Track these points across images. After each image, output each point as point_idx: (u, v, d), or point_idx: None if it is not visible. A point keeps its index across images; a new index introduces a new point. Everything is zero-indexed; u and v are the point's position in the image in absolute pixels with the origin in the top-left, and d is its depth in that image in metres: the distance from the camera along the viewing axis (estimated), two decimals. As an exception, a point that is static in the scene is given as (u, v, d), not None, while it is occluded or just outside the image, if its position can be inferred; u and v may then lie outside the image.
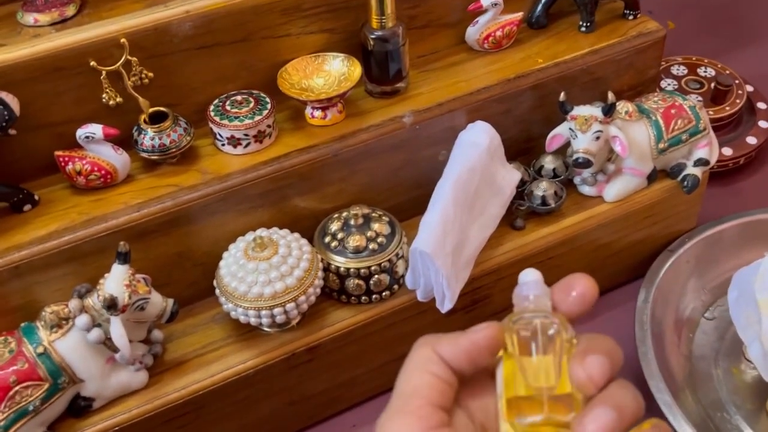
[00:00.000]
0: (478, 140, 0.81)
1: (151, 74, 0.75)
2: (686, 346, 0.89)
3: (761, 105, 1.12)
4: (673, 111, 0.87)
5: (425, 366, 0.36)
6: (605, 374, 0.33)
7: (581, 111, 0.82)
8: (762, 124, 1.09)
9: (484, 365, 0.37)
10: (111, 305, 0.66)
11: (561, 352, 0.34)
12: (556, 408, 0.33)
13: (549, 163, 0.88)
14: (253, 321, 0.72)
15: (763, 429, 0.80)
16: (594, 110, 0.82)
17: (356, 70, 0.80)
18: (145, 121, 0.75)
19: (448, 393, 0.36)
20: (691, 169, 0.88)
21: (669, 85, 1.11)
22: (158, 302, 0.70)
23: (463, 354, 0.36)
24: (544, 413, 0.33)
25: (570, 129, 0.83)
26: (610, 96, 0.81)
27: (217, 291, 0.73)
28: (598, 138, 0.81)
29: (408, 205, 0.85)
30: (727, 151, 1.06)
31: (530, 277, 0.38)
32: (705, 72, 1.13)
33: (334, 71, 0.81)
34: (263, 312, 0.71)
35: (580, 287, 0.37)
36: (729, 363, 0.87)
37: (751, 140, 1.07)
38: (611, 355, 0.34)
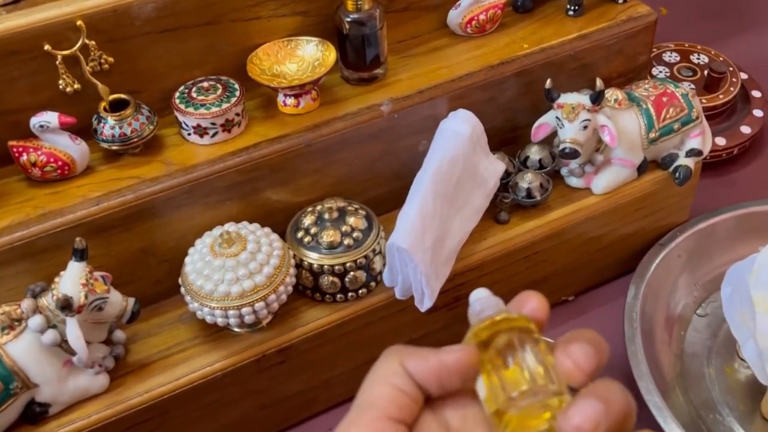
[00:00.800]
0: (460, 129, 0.77)
1: (111, 59, 0.70)
2: (677, 344, 0.85)
3: (756, 93, 1.08)
4: (664, 99, 0.83)
5: (388, 378, 0.34)
6: (591, 361, 0.31)
7: (568, 99, 0.78)
8: (756, 113, 1.06)
9: (454, 389, 0.34)
10: (65, 305, 0.61)
11: (539, 348, 0.32)
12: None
13: (535, 153, 0.84)
14: (220, 321, 0.68)
15: (756, 431, 0.77)
16: (582, 98, 0.78)
17: (331, 55, 0.76)
18: (105, 109, 0.71)
19: (410, 408, 0.33)
20: (683, 160, 0.85)
21: (661, 72, 1.07)
22: (118, 302, 0.66)
23: (431, 373, 0.33)
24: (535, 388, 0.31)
25: (556, 118, 0.79)
26: (599, 83, 0.77)
27: (183, 289, 0.69)
28: (585, 127, 0.78)
29: (386, 198, 0.81)
30: (721, 141, 1.02)
31: (481, 294, 0.36)
32: (698, 59, 1.09)
33: (307, 56, 0.77)
34: (231, 312, 0.67)
35: (531, 303, 0.34)
36: (722, 362, 0.83)
37: (746, 130, 1.04)
38: (595, 344, 0.32)
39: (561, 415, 0.30)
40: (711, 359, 0.84)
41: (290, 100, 0.75)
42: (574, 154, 0.78)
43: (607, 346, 0.32)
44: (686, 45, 1.11)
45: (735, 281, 0.79)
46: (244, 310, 0.67)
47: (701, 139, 0.86)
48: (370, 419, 0.33)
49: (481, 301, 0.36)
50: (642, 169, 0.84)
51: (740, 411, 0.79)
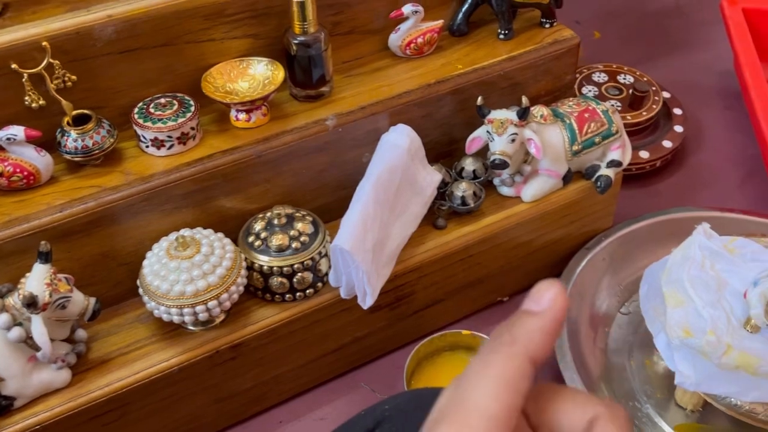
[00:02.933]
0: (399, 142, 0.83)
1: (74, 77, 0.76)
2: (602, 341, 0.92)
3: (677, 111, 1.17)
4: (586, 115, 0.91)
5: (518, 385, 0.29)
6: None
7: (497, 115, 0.85)
8: (677, 128, 1.15)
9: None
10: (30, 303, 0.66)
11: None
12: None
13: (469, 165, 0.91)
14: (176, 319, 0.74)
15: (671, 417, 0.84)
16: (510, 114, 0.85)
17: (279, 73, 0.82)
18: (68, 124, 0.76)
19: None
20: (604, 170, 0.92)
21: (590, 91, 1.15)
22: (80, 301, 0.71)
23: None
24: None
25: (487, 132, 0.86)
26: (524, 100, 0.84)
27: (140, 290, 0.75)
28: (513, 140, 0.85)
29: (333, 206, 0.87)
30: (644, 154, 1.11)
31: None
32: (624, 79, 1.18)
33: (258, 75, 0.83)
34: (185, 310, 0.73)
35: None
36: (642, 355, 0.91)
37: (667, 144, 1.12)
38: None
39: None
40: (633, 353, 0.91)
41: (242, 115, 0.81)
42: (503, 165, 0.85)
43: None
44: (614, 66, 1.20)
45: (650, 280, 0.87)
46: (198, 308, 0.73)
47: (621, 151, 0.93)
48: None
49: None
50: (567, 179, 0.92)
51: (657, 399, 0.86)
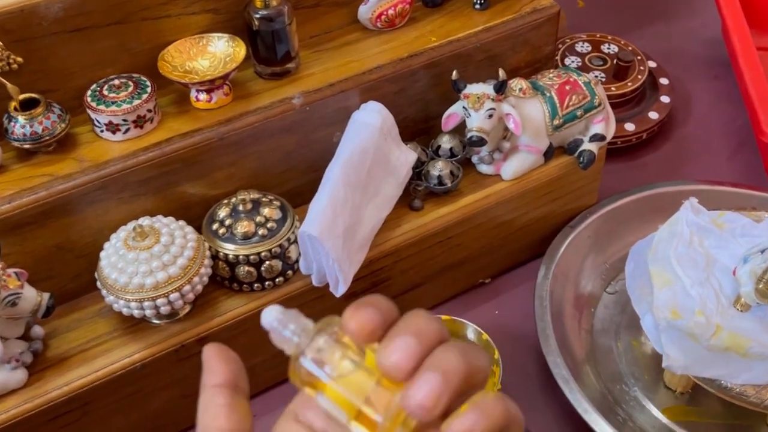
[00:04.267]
0: (370, 120, 0.79)
1: (20, 59, 0.71)
2: (588, 321, 0.89)
3: (664, 80, 1.13)
4: (567, 87, 0.87)
5: None
6: (412, 356, 0.31)
7: (473, 89, 0.81)
8: (664, 99, 1.11)
9: None
10: (-24, 302, 0.62)
11: (357, 351, 0.33)
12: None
13: (446, 142, 0.87)
14: (136, 313, 0.70)
15: (660, 399, 0.81)
16: (486, 88, 0.81)
17: (241, 50, 0.78)
18: (15, 109, 0.71)
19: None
20: (587, 145, 0.89)
21: (573, 62, 1.11)
22: (32, 297, 0.67)
23: None
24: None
25: (463, 107, 0.82)
26: (501, 73, 0.80)
27: (99, 283, 0.71)
28: (491, 116, 0.81)
29: (304, 189, 0.83)
30: (630, 127, 1.07)
31: (272, 315, 0.35)
32: (608, 48, 1.14)
33: (219, 52, 0.79)
34: (146, 303, 0.69)
35: (351, 325, 0.34)
36: (629, 336, 0.87)
37: (653, 115, 1.08)
38: (420, 331, 0.32)
39: (401, 396, 0.31)
40: (619, 334, 0.88)
41: (203, 96, 0.77)
42: (480, 142, 0.81)
43: (438, 326, 0.33)
44: (598, 35, 1.16)
45: (636, 258, 0.83)
46: (159, 301, 0.69)
47: (604, 124, 0.90)
48: None
49: (275, 323, 0.35)
50: (548, 154, 0.88)
51: (645, 381, 0.83)
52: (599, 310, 0.90)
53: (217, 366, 0.36)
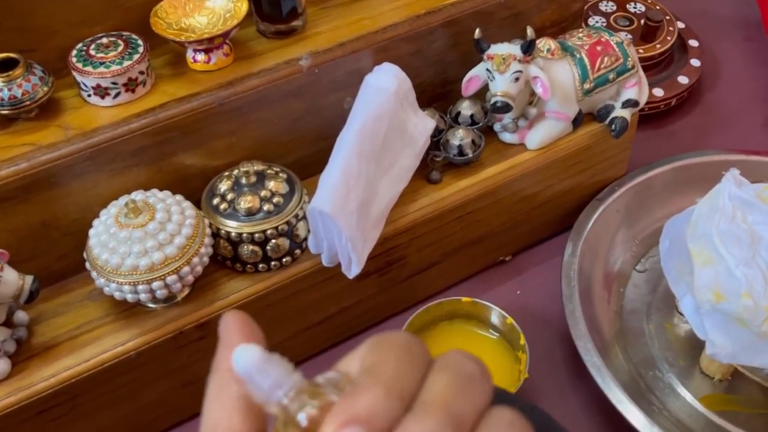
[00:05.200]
0: (385, 84, 0.72)
1: (-5, 14, 0.64)
2: (616, 302, 0.83)
3: (693, 42, 1.06)
4: (599, 48, 0.80)
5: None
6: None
7: (498, 49, 0.74)
8: (694, 62, 1.03)
9: None
10: (-50, 287, 0.56)
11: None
12: None
13: (466, 109, 0.80)
14: (130, 297, 0.63)
15: (696, 386, 0.75)
16: (513, 48, 0.74)
17: (242, 5, 0.70)
18: (-9, 70, 0.64)
19: None
20: (619, 111, 0.82)
21: (597, 22, 1.04)
22: (13, 281, 0.60)
23: None
24: None
25: (487, 70, 0.75)
26: (530, 32, 0.73)
27: (88, 264, 0.64)
28: (517, 79, 0.74)
29: (312, 160, 0.76)
30: (659, 92, 1.00)
31: (249, 359, 0.26)
32: (635, 8, 1.06)
33: (218, 8, 0.71)
34: (140, 287, 0.62)
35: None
36: (661, 318, 0.81)
37: (683, 80, 1.01)
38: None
39: None
40: (650, 315, 0.82)
41: (200, 56, 0.69)
42: (505, 108, 0.74)
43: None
44: (623, -7, 1.08)
45: (672, 235, 0.77)
46: (155, 284, 0.62)
47: (637, 89, 0.83)
48: None
49: (254, 373, 0.25)
50: (577, 122, 0.81)
51: (679, 366, 0.77)
52: (629, 290, 0.84)
53: (238, 342, 0.27)
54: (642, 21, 1.02)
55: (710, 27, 1.14)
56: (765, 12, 1.05)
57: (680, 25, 1.07)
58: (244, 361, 0.25)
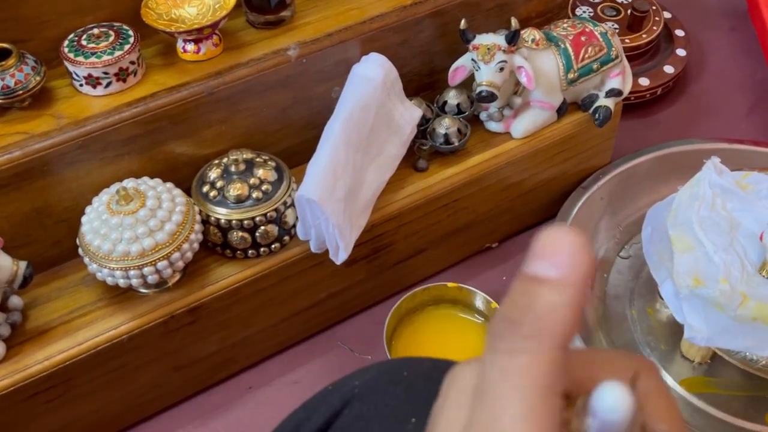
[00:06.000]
0: (372, 74, 0.73)
1: (-12, 5, 0.65)
2: (600, 287, 0.85)
3: (679, 32, 1.07)
4: (583, 38, 0.81)
5: (554, 392, 0.22)
6: None
7: (483, 40, 0.75)
8: (680, 52, 1.05)
9: None
10: (-55, 272, 0.57)
11: None
12: None
13: (453, 98, 0.82)
14: (122, 282, 0.65)
15: (677, 369, 0.77)
16: (497, 39, 0.75)
17: (232, -3, 0.71)
18: (-16, 60, 0.65)
19: None
20: (603, 101, 0.83)
21: (585, 12, 1.05)
22: (7, 266, 0.62)
23: None
24: None
25: (472, 60, 0.76)
26: (514, 22, 0.74)
27: (80, 250, 0.65)
28: (502, 69, 0.75)
29: (300, 149, 0.78)
30: (644, 82, 1.01)
31: (618, 405, 0.21)
32: (622, -2, 1.07)
33: (207, -1, 0.72)
34: (132, 272, 0.64)
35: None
36: (644, 303, 0.83)
37: (669, 69, 1.03)
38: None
39: None
40: (633, 301, 0.83)
41: (190, 46, 0.71)
42: (490, 97, 0.76)
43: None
44: (610, -16, 1.09)
45: (654, 221, 0.79)
46: (146, 269, 0.64)
47: (621, 78, 0.84)
48: None
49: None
50: (562, 111, 0.82)
51: (661, 350, 0.79)
52: (612, 276, 0.86)
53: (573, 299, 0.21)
54: (629, 11, 1.03)
55: (696, 17, 1.15)
56: (751, 2, 1.06)
57: (666, 15, 1.08)
58: (610, 405, 0.21)
